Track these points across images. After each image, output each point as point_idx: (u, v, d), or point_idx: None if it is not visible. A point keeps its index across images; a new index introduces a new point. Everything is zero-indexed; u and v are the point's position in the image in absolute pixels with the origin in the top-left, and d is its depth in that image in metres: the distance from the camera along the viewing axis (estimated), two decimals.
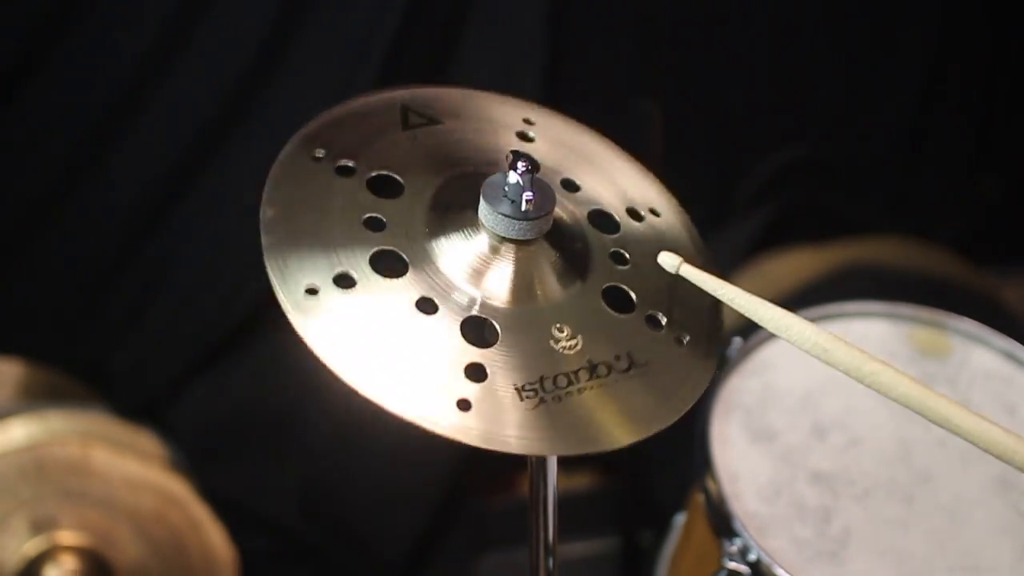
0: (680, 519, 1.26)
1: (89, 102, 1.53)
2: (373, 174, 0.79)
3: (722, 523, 1.04)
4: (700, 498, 1.10)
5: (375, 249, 0.74)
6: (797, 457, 1.11)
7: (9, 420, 1.40)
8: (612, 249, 0.82)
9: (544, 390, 0.72)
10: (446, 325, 0.73)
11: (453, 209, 0.78)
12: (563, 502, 0.87)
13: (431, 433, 0.68)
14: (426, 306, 0.73)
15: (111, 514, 1.41)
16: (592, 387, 0.73)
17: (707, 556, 1.07)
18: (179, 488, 1.43)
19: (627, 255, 0.82)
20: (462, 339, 0.73)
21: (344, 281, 0.72)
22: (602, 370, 0.74)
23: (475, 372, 0.71)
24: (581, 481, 1.80)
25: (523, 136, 0.87)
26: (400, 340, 0.71)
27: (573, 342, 0.75)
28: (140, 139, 1.55)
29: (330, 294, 0.71)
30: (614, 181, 0.88)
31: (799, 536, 1.04)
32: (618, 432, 0.72)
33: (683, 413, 0.75)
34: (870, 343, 1.22)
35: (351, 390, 0.68)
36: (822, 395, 1.17)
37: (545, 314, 0.76)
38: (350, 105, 0.85)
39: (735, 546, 1.02)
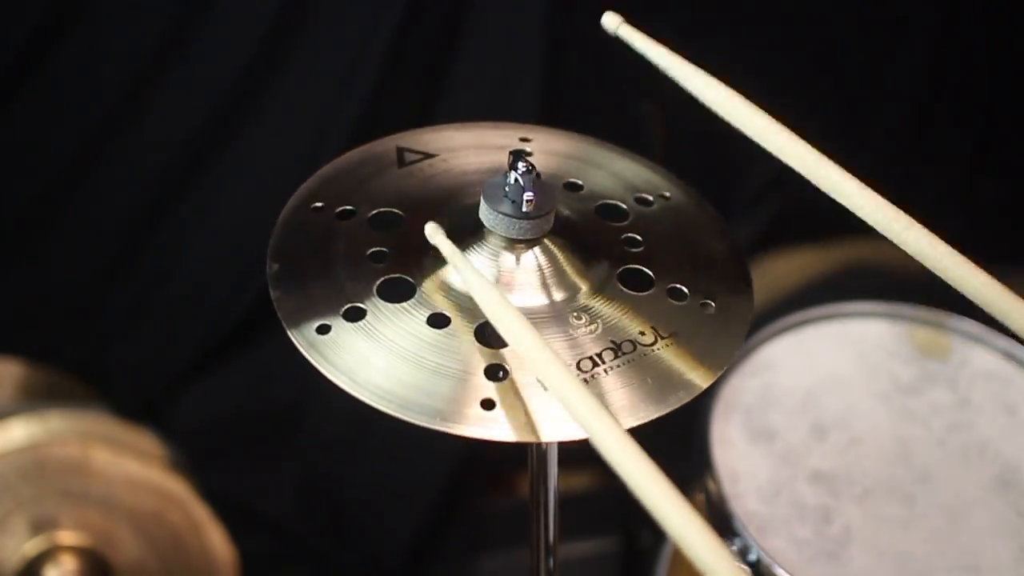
0: None
1: (88, 102, 1.52)
2: (374, 212, 0.81)
3: (722, 523, 1.04)
4: (700, 498, 1.10)
5: (381, 279, 0.76)
6: (797, 457, 1.11)
7: (9, 420, 1.40)
8: (624, 235, 0.83)
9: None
10: (460, 335, 0.74)
11: (456, 226, 0.80)
12: (563, 502, 0.87)
13: (447, 436, 0.69)
14: (438, 321, 0.75)
15: (111, 514, 1.41)
16: (619, 365, 0.74)
17: None
18: (179, 488, 1.43)
19: (640, 238, 0.83)
20: (477, 344, 0.74)
21: (354, 314, 0.74)
22: (627, 347, 0.75)
23: (495, 372, 0.72)
24: (581, 481, 1.80)
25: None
26: (417, 357, 0.73)
27: (593, 327, 0.76)
28: (140, 140, 1.55)
29: (342, 328, 0.73)
30: (618, 176, 0.89)
31: (799, 536, 1.04)
32: (651, 403, 0.72)
33: (717, 376, 0.75)
34: (870, 343, 1.22)
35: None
36: (822, 395, 1.17)
37: (560, 307, 0.77)
38: (343, 158, 0.87)
39: (735, 546, 1.02)
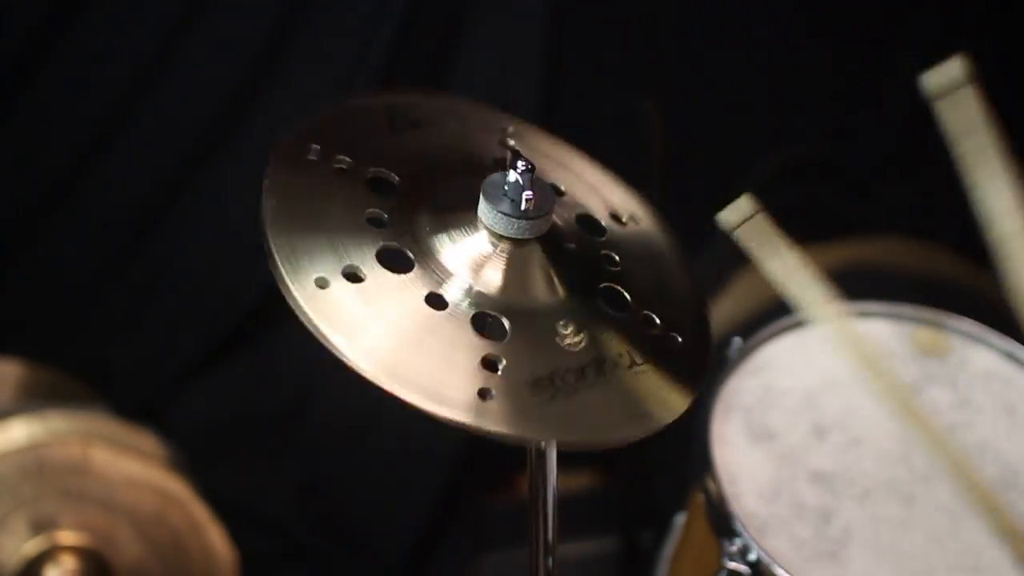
0: (680, 519, 1.26)
1: (89, 102, 1.53)
2: (369, 174, 0.80)
3: (722, 523, 1.04)
4: (700, 498, 1.10)
5: (380, 245, 0.75)
6: (797, 457, 1.11)
7: (9, 420, 1.40)
8: (602, 251, 0.84)
9: (555, 385, 0.73)
10: (457, 320, 0.74)
11: (450, 209, 0.79)
12: (563, 502, 0.87)
13: (438, 430, 0.69)
14: (436, 301, 0.74)
15: (111, 514, 1.41)
16: (600, 384, 0.74)
17: (707, 556, 1.07)
18: (179, 488, 1.43)
19: (616, 257, 0.83)
20: (473, 333, 0.74)
21: (353, 276, 0.73)
22: (608, 367, 0.75)
23: (490, 364, 0.72)
24: (581, 481, 1.80)
25: (503, 144, 0.89)
26: (414, 334, 0.72)
27: (578, 339, 0.76)
28: (140, 140, 1.55)
29: (340, 287, 0.72)
30: (593, 188, 0.90)
31: (799, 536, 1.04)
32: (626, 427, 0.73)
33: (682, 412, 0.76)
34: (870, 343, 1.22)
35: (363, 383, 0.68)
36: (822, 395, 1.17)
37: (549, 311, 0.77)
38: (337, 109, 0.86)
39: (735, 546, 1.02)
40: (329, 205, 0.77)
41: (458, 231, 0.78)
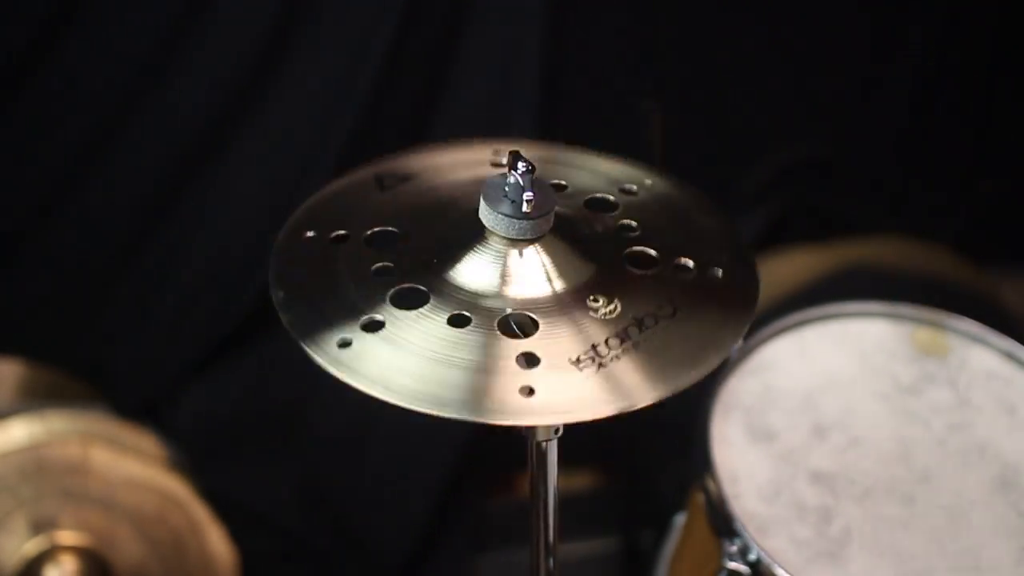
0: (680, 519, 1.26)
1: (90, 102, 1.53)
2: (368, 233, 0.82)
3: (722, 523, 1.04)
4: (700, 498, 1.10)
5: (394, 290, 0.77)
6: (797, 457, 1.11)
7: (9, 420, 1.40)
8: (619, 223, 0.85)
9: (599, 355, 0.73)
10: (483, 330, 0.75)
11: (454, 233, 0.81)
12: (563, 502, 0.87)
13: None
14: (459, 321, 0.75)
15: (111, 514, 1.41)
16: (645, 338, 0.75)
17: (707, 556, 1.07)
18: (179, 488, 1.43)
19: (635, 223, 0.85)
20: (503, 336, 0.75)
21: (373, 326, 0.75)
22: (649, 321, 0.76)
23: (528, 360, 0.73)
24: (581, 481, 1.80)
25: (496, 164, 0.90)
26: (446, 357, 0.73)
27: (611, 307, 0.77)
28: (140, 140, 1.55)
29: (363, 341, 0.74)
30: (597, 172, 0.91)
31: (799, 536, 1.04)
32: (685, 369, 0.74)
33: (743, 334, 0.77)
34: (870, 343, 1.22)
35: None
36: (822, 395, 1.17)
37: (576, 294, 0.78)
38: (324, 191, 0.88)
39: (735, 546, 1.02)
40: (335, 273, 0.79)
41: (466, 250, 0.79)
